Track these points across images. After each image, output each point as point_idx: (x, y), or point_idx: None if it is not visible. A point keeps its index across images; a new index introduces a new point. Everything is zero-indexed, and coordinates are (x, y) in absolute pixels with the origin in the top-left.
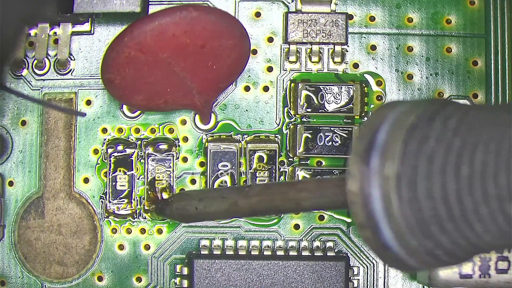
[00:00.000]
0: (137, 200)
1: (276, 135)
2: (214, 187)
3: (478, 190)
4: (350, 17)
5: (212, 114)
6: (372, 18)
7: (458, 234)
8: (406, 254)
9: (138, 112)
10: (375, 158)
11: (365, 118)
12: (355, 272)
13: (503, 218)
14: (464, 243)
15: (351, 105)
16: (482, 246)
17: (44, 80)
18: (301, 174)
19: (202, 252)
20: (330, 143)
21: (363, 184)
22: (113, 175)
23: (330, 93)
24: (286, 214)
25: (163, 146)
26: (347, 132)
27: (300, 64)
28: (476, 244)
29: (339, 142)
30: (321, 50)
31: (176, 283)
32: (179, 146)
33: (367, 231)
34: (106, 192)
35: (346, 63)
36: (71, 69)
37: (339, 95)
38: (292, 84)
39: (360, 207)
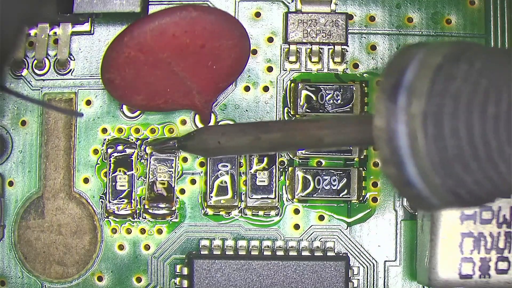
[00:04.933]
0: (137, 200)
1: None
2: (236, 124)
3: (504, 131)
4: (350, 17)
5: (212, 114)
6: (372, 18)
7: (482, 174)
8: (429, 192)
9: (138, 112)
10: (402, 96)
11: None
12: (355, 272)
13: None
14: (487, 183)
15: (351, 105)
16: (503, 188)
17: (44, 80)
18: (301, 174)
19: (202, 252)
20: None
21: (390, 120)
22: (113, 175)
23: (330, 93)
24: (307, 149)
25: None
26: None
27: (300, 64)
28: (498, 185)
29: None
30: (321, 50)
31: (176, 283)
32: None
33: (391, 167)
34: (106, 192)
35: (346, 63)
36: (71, 69)
37: (339, 95)
38: (292, 84)
39: (386, 143)
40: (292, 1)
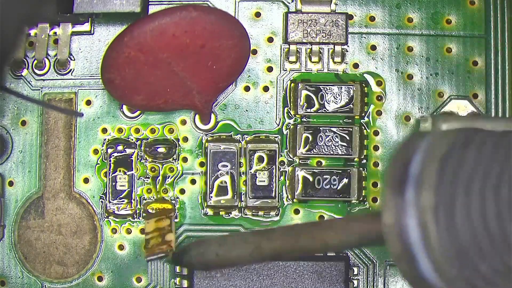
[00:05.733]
0: (137, 200)
1: (276, 135)
2: (234, 234)
3: None
4: (350, 17)
5: (212, 114)
6: (372, 18)
7: (499, 260)
8: (444, 285)
9: (138, 112)
10: (409, 189)
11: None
12: (355, 272)
13: None
14: (504, 269)
15: (351, 105)
16: None
17: (44, 80)
18: (301, 174)
19: None
20: (330, 143)
21: (399, 216)
22: (113, 175)
23: (330, 93)
24: (313, 254)
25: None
26: (347, 132)
27: (300, 64)
28: None
29: (339, 142)
30: (321, 50)
31: (176, 283)
32: (179, 146)
33: (404, 264)
34: (106, 192)
35: (346, 63)
36: (71, 69)
37: (339, 95)
38: (292, 84)
39: (397, 239)
40: (292, 1)
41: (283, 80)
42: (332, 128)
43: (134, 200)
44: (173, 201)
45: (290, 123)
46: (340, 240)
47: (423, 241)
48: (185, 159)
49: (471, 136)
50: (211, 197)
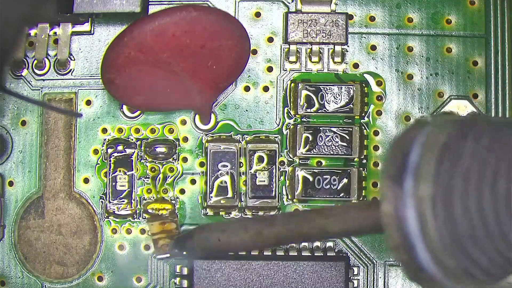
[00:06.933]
0: (137, 200)
1: (276, 135)
2: (237, 220)
3: None
4: (350, 17)
5: (212, 114)
6: (372, 18)
7: (496, 252)
8: (443, 275)
9: (138, 112)
10: (408, 179)
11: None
12: (355, 272)
13: None
14: (501, 260)
15: (351, 105)
16: None
17: (44, 80)
18: (301, 174)
19: None
20: (330, 143)
21: (398, 206)
22: (113, 175)
23: (330, 93)
24: (313, 241)
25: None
26: (347, 132)
27: (300, 64)
28: None
29: (339, 142)
30: (321, 50)
31: (176, 283)
32: (179, 146)
33: (402, 254)
34: (106, 192)
35: (346, 63)
36: (71, 69)
37: (339, 95)
38: (292, 84)
39: (395, 229)
40: (292, 1)
41: (283, 80)
42: (332, 128)
43: (134, 200)
44: (173, 201)
45: (290, 123)
46: (340, 228)
47: (421, 231)
48: (185, 159)
49: (469, 127)
50: (211, 197)
